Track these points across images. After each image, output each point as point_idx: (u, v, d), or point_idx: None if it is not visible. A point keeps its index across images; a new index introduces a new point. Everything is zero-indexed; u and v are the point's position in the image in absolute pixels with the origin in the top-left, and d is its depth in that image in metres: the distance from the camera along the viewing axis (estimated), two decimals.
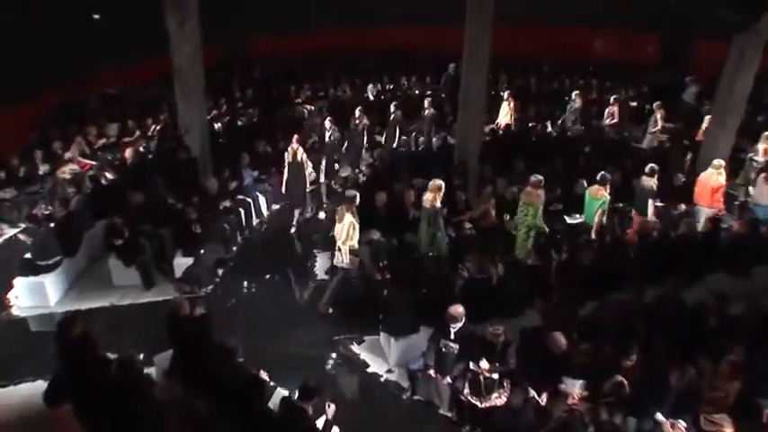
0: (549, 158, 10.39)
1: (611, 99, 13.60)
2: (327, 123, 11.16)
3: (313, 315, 7.66)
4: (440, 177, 9.66)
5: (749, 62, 9.82)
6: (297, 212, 9.63)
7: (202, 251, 8.12)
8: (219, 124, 12.41)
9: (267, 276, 8.47)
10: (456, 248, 8.55)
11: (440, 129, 13.01)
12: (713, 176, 8.89)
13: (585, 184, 9.16)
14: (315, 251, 9.07)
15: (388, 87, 15.93)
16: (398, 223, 8.45)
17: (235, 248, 8.98)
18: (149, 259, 7.97)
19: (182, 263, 8.04)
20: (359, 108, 12.10)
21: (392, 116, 12.46)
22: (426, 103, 13.25)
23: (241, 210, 9.39)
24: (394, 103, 12.77)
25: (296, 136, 9.58)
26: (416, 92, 15.85)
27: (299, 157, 9.37)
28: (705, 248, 7.89)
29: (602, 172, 8.53)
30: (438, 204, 7.54)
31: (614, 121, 13.31)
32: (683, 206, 9.59)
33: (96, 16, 14.07)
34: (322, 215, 9.60)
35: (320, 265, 8.74)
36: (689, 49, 15.99)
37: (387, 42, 17.42)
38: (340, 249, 7.28)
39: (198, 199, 8.66)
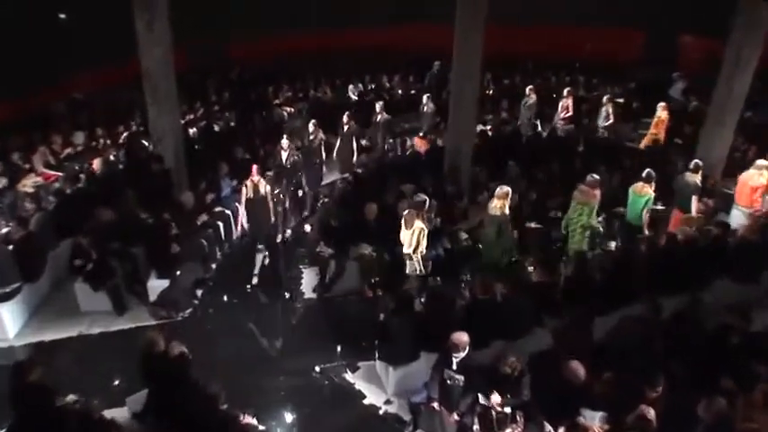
0: (545, 161, 9.88)
1: (565, 92, 12.93)
2: (285, 143, 9.63)
3: (300, 340, 7.02)
4: (431, 184, 9.25)
5: (747, 60, 9.51)
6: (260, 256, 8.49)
7: (179, 271, 7.42)
8: (195, 129, 11.66)
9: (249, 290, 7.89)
10: (453, 261, 8.05)
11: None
12: (754, 176, 8.49)
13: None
14: (301, 267, 8.40)
15: (370, 87, 15.28)
16: (391, 237, 7.86)
17: (214, 266, 8.27)
18: (121, 282, 7.25)
19: (157, 285, 7.32)
20: (313, 122, 10.62)
21: (346, 127, 11.13)
22: (378, 107, 12.13)
23: (220, 223, 8.67)
24: (347, 113, 11.28)
25: (255, 166, 8.24)
26: (399, 91, 15.26)
27: (261, 191, 8.14)
28: (712, 255, 7.46)
29: (648, 169, 8.25)
30: (507, 211, 7.29)
31: (568, 114, 12.77)
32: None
33: (62, 15, 13.20)
34: (307, 228, 8.86)
35: (307, 282, 8.08)
36: (674, 46, 15.70)
37: (367, 42, 16.77)
38: (411, 258, 6.88)
39: (173, 213, 7.95)
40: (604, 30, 15.86)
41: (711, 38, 14.74)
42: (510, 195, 7.31)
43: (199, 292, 7.66)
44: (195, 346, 6.33)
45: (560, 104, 12.88)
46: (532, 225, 8.55)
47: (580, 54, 15.81)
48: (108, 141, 11.09)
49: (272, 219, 8.55)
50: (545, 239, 8.53)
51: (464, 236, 8.16)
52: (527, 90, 13.12)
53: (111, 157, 10.34)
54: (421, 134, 11.08)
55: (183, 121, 11.11)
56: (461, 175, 9.36)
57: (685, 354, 5.73)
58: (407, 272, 6.99)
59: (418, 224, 6.80)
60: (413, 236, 6.82)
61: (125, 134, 11.06)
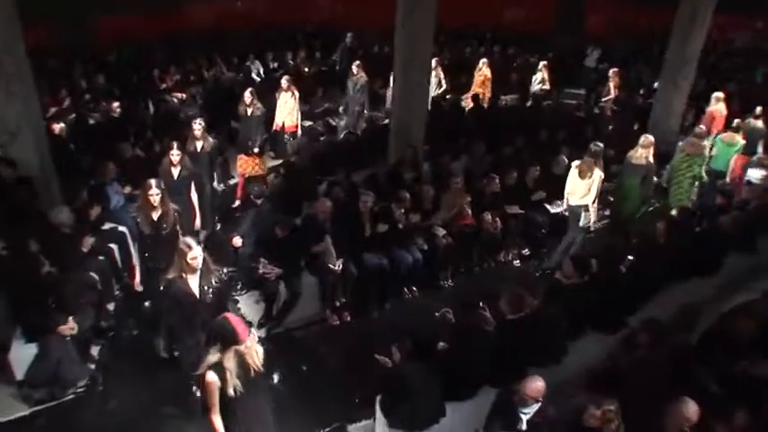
0: (507, 136, 8.31)
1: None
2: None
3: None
4: (384, 171, 7.35)
5: (702, 22, 8.64)
6: None
7: (60, 325, 4.83)
8: (62, 125, 8.61)
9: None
10: (433, 265, 6.24)
11: None
12: None
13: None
14: (234, 296, 5.94)
15: (272, 66, 12.86)
16: (352, 241, 5.82)
17: (112, 307, 5.71)
18: None
19: (26, 353, 4.65)
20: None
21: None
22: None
23: (113, 246, 6.09)
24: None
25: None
26: (306, 69, 12.97)
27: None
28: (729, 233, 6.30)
29: (736, 120, 8.23)
30: (651, 160, 6.86)
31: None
32: None
33: None
34: (238, 241, 6.37)
35: (247, 315, 5.69)
36: (582, 14, 14.93)
37: (260, 17, 14.27)
38: (587, 209, 6.42)
39: (43, 240, 5.28)
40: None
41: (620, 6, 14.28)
42: (653, 145, 6.84)
43: (95, 351, 5.12)
44: None
45: (391, 80, 10.64)
46: (515, 210, 6.86)
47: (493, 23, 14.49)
48: None
49: None
50: (530, 226, 6.94)
51: (441, 231, 6.33)
52: (353, 67, 10.41)
53: None
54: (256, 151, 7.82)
55: (47, 115, 8.27)
56: (419, 157, 7.48)
57: None
58: (580, 224, 6.48)
59: (598, 173, 6.37)
60: (592, 185, 6.34)
61: None
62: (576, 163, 6.53)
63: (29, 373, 4.58)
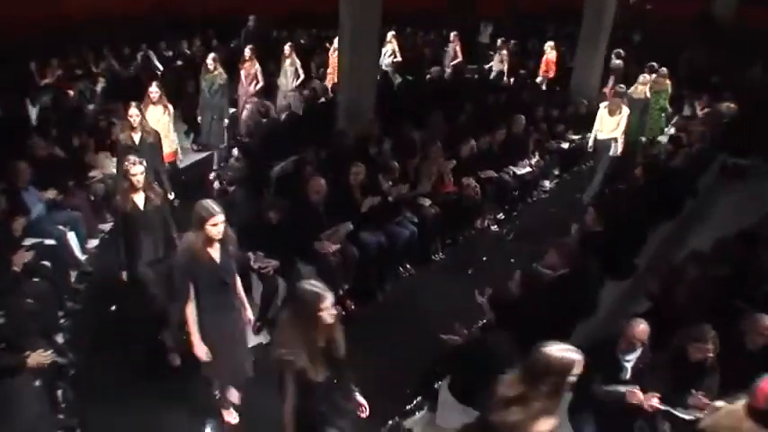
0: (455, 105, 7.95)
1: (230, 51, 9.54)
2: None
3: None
4: (350, 147, 6.60)
5: None
6: None
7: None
8: None
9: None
10: (425, 237, 5.69)
11: None
12: None
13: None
14: None
15: (168, 54, 11.32)
16: (349, 220, 5.05)
17: (61, 338, 4.40)
18: None
19: None
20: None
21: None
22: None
23: (47, 263, 4.72)
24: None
25: None
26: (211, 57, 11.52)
27: None
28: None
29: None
30: (649, 95, 7.87)
31: (259, 85, 8.56)
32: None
33: None
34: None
35: None
36: None
37: (146, 3, 12.48)
38: (616, 141, 7.07)
39: None
40: None
41: None
42: (648, 82, 7.86)
43: (59, 395, 3.85)
44: None
45: (242, 74, 8.44)
46: (490, 174, 6.51)
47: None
48: None
49: None
50: (503, 190, 6.65)
51: (427, 201, 5.79)
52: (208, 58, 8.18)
53: None
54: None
55: None
56: (377, 132, 6.83)
57: None
58: (610, 154, 7.11)
59: (625, 109, 7.08)
60: (621, 120, 7.01)
61: None
62: (604, 104, 7.21)
63: None
